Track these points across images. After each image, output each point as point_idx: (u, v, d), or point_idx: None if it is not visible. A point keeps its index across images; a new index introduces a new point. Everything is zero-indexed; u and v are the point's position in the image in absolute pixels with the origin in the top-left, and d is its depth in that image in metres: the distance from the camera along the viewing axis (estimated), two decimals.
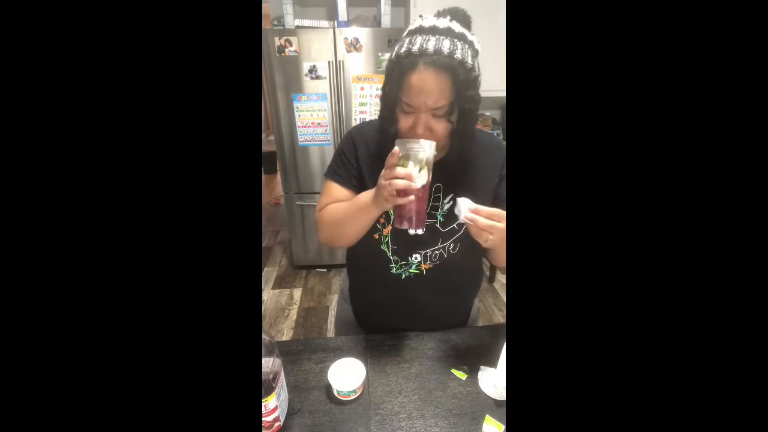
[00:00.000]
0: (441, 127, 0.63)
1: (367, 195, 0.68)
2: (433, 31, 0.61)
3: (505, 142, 0.78)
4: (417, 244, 0.76)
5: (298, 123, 2.28)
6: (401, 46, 0.62)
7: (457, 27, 0.62)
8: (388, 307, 0.85)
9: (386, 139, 0.69)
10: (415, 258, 0.77)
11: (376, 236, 0.77)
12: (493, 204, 0.77)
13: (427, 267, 0.78)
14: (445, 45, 0.59)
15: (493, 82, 2.57)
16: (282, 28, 2.17)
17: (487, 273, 2.57)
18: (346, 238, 0.75)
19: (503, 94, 2.59)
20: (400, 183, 0.57)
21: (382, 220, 0.76)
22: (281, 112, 2.27)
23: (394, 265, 0.78)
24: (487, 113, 3.00)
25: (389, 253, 0.77)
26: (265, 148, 4.43)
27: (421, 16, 0.64)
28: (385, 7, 2.21)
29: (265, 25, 2.45)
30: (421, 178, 0.59)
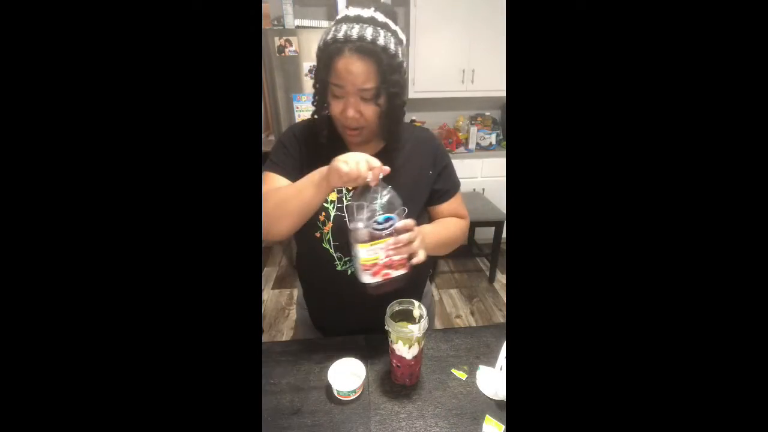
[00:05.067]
0: (370, 110, 0.67)
1: (318, 172, 0.66)
2: (357, 20, 0.65)
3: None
4: None
5: None
6: (327, 34, 0.66)
7: (380, 17, 0.66)
8: (340, 306, 0.84)
9: (319, 135, 0.74)
10: None
11: (317, 234, 0.76)
12: (431, 198, 0.82)
13: None
14: (368, 32, 0.63)
15: (493, 82, 2.59)
16: (282, 28, 2.17)
17: (488, 273, 2.57)
18: (284, 222, 0.69)
19: (503, 94, 2.59)
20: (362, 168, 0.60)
21: (322, 218, 0.75)
22: (281, 112, 2.26)
23: (338, 262, 0.78)
24: (487, 113, 3.00)
25: (332, 250, 0.77)
26: (265, 148, 4.42)
27: (347, 6, 0.69)
28: None
29: (265, 25, 2.45)
30: (412, 351, 0.66)
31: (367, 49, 0.63)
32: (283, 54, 2.13)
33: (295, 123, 0.84)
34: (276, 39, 2.09)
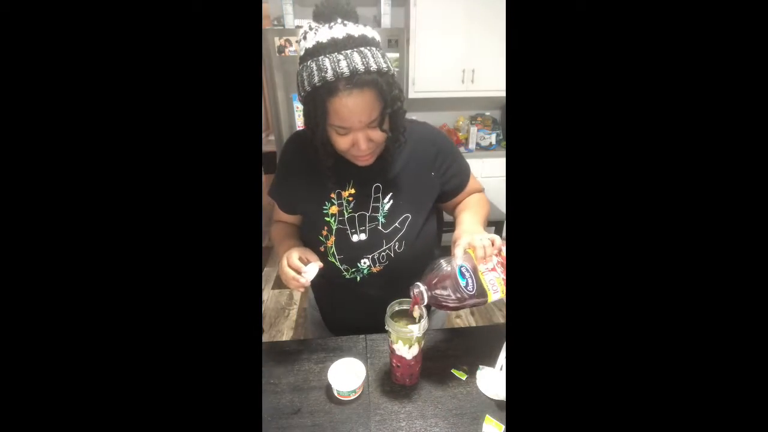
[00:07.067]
0: (379, 135, 0.64)
1: (281, 247, 0.79)
2: (335, 46, 0.56)
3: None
4: (362, 249, 0.76)
5: (298, 123, 2.29)
6: (311, 75, 0.57)
7: (354, 30, 0.58)
8: (352, 307, 0.85)
9: (325, 161, 0.69)
10: (364, 263, 0.77)
11: (322, 249, 0.76)
12: (445, 196, 0.81)
13: (378, 269, 0.78)
14: (357, 60, 0.56)
15: (493, 82, 2.60)
16: (282, 28, 2.18)
17: None
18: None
19: (503, 94, 2.59)
20: (291, 275, 0.70)
21: (324, 233, 0.76)
22: (281, 112, 2.27)
23: (345, 273, 0.78)
24: (487, 113, 3.00)
25: (337, 263, 0.77)
26: (265, 148, 4.42)
27: (310, 26, 0.60)
28: (385, 7, 2.21)
29: (265, 25, 2.45)
30: (412, 351, 0.66)
31: (365, 81, 0.56)
32: (283, 54, 2.13)
33: (294, 136, 0.83)
34: (276, 39, 2.10)
